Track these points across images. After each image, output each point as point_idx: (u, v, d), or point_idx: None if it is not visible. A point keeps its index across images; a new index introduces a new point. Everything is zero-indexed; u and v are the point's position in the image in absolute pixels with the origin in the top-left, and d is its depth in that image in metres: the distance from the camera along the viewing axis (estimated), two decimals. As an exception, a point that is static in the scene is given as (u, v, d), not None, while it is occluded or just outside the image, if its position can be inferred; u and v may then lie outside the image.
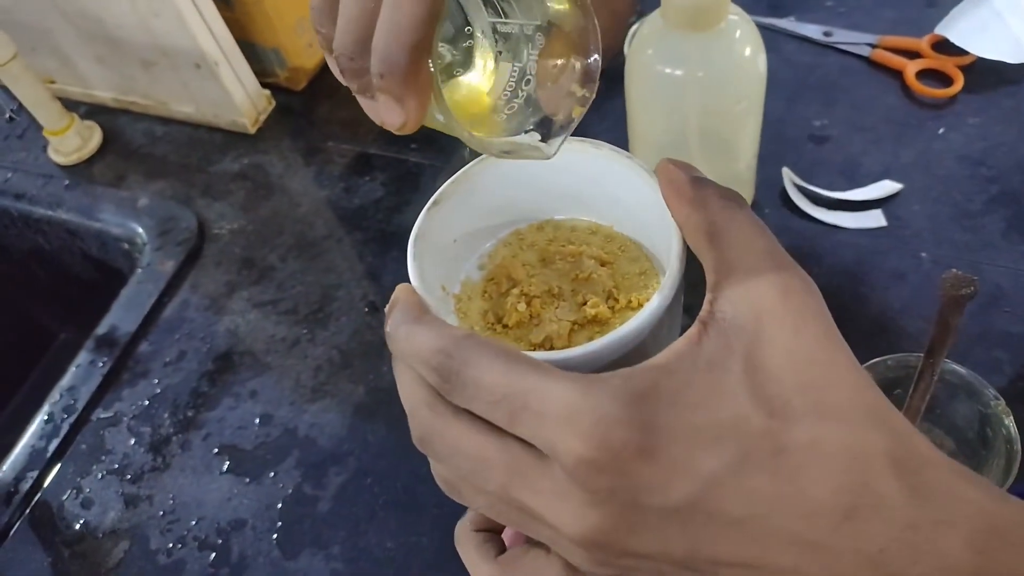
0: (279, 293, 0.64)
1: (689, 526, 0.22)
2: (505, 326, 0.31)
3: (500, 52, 0.28)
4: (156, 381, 0.61)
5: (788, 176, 0.61)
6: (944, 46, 0.65)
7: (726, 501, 0.22)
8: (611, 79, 0.62)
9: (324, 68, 0.77)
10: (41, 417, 0.60)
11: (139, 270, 0.67)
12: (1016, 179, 0.59)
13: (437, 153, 0.70)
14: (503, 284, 0.33)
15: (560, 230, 0.35)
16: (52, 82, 0.82)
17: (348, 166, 0.71)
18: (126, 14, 0.68)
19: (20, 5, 0.73)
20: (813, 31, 0.70)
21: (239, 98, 0.73)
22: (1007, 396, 0.41)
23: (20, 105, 0.75)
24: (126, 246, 0.71)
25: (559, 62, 0.28)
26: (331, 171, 0.71)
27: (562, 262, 0.33)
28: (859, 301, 0.55)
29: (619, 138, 0.61)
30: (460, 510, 0.30)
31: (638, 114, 0.54)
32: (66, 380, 0.62)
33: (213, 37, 0.69)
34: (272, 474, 0.55)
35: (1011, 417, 0.41)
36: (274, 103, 0.76)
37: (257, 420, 0.58)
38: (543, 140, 0.28)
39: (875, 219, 0.58)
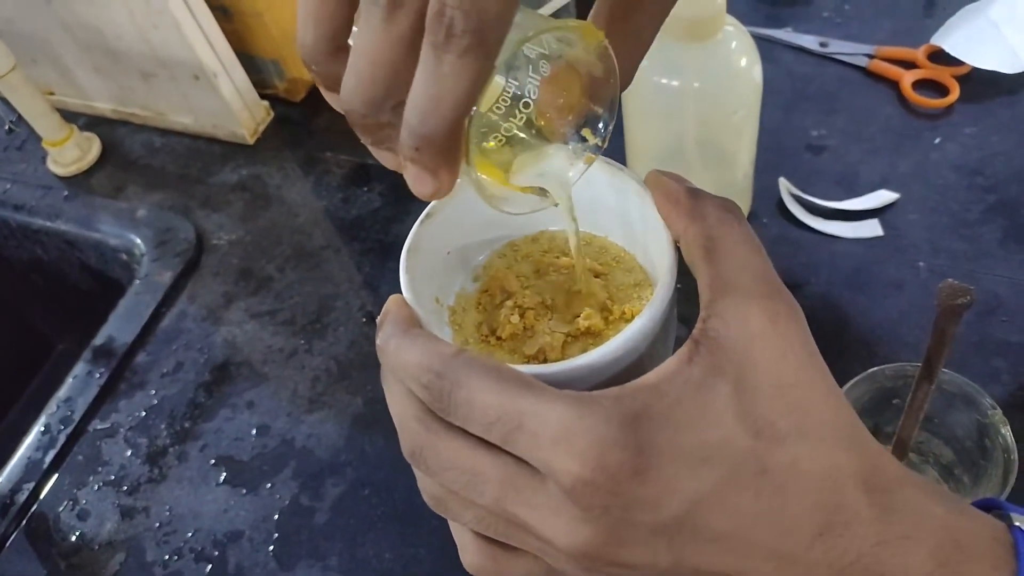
0: (277, 303, 0.64)
1: (676, 539, 0.23)
2: (499, 338, 0.31)
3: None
4: (153, 392, 0.61)
5: (785, 186, 0.61)
6: (940, 56, 0.66)
7: (712, 517, 0.23)
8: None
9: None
10: (38, 428, 0.60)
11: (137, 281, 0.67)
12: (1013, 189, 0.59)
13: (435, 163, 0.70)
14: (497, 296, 0.33)
15: (555, 241, 0.35)
16: (51, 93, 0.82)
17: (346, 177, 0.71)
18: (125, 25, 0.69)
19: (20, 16, 0.74)
20: (810, 42, 0.70)
21: (238, 109, 0.73)
22: (1005, 405, 0.41)
23: (19, 116, 0.76)
24: (124, 257, 0.71)
25: (565, 100, 0.27)
26: (329, 182, 0.71)
27: (556, 273, 0.33)
28: (856, 310, 0.55)
29: (616, 148, 0.61)
30: (456, 521, 0.29)
31: (635, 124, 0.54)
32: (63, 391, 0.61)
33: (212, 48, 0.69)
34: (269, 485, 0.55)
35: (1008, 426, 0.40)
36: (273, 114, 0.76)
37: (254, 431, 0.57)
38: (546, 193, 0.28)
39: (872, 229, 0.58)
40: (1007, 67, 0.63)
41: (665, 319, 0.28)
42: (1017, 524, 0.25)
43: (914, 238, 0.57)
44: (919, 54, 0.66)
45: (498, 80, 0.27)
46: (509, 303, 0.32)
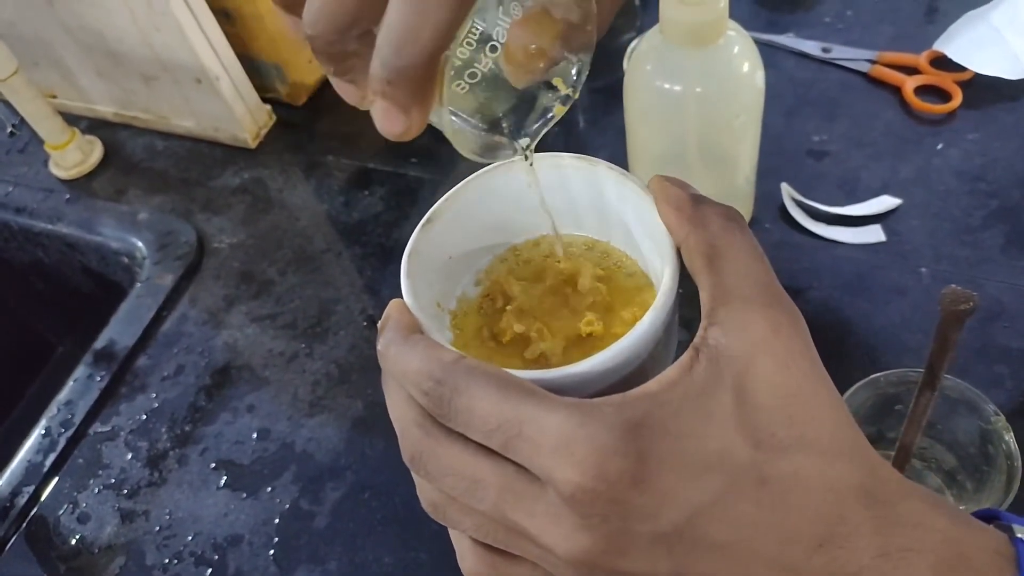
0: (278, 307, 0.64)
1: (676, 549, 0.23)
2: (500, 343, 0.31)
3: None
4: (154, 395, 0.61)
5: (787, 191, 0.61)
6: (942, 62, 0.65)
7: (712, 527, 0.23)
8: (610, 94, 0.62)
9: (325, 83, 0.78)
10: (38, 431, 0.60)
11: (138, 284, 0.67)
12: (1015, 194, 0.59)
13: (437, 167, 0.70)
14: (498, 300, 0.32)
15: (556, 246, 0.35)
16: (53, 96, 0.82)
17: (348, 180, 0.71)
18: (127, 28, 0.69)
19: (22, 19, 0.74)
20: (812, 47, 0.70)
21: (240, 113, 0.73)
22: (1008, 412, 0.41)
23: (21, 119, 0.76)
24: (126, 260, 0.71)
25: (537, 45, 0.26)
26: (331, 185, 0.71)
27: (558, 278, 0.33)
28: (859, 316, 0.54)
29: (618, 153, 0.61)
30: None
31: (637, 129, 0.54)
32: (64, 394, 0.61)
33: (214, 52, 0.69)
34: (269, 489, 0.55)
35: (1011, 433, 0.40)
36: (275, 118, 0.76)
37: (255, 435, 0.57)
38: (513, 136, 0.26)
39: (874, 234, 0.58)
40: (1009, 73, 0.62)
41: (667, 324, 0.28)
42: (1019, 536, 0.25)
43: (916, 244, 0.57)
44: (921, 60, 0.66)
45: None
46: (511, 308, 0.32)
